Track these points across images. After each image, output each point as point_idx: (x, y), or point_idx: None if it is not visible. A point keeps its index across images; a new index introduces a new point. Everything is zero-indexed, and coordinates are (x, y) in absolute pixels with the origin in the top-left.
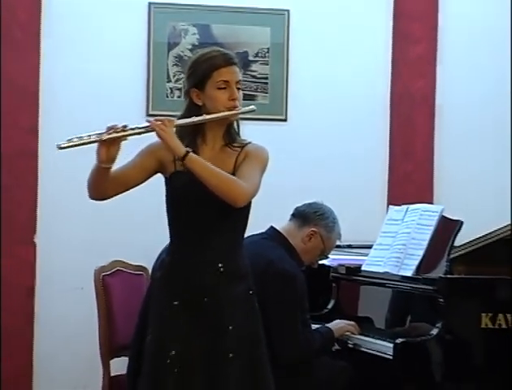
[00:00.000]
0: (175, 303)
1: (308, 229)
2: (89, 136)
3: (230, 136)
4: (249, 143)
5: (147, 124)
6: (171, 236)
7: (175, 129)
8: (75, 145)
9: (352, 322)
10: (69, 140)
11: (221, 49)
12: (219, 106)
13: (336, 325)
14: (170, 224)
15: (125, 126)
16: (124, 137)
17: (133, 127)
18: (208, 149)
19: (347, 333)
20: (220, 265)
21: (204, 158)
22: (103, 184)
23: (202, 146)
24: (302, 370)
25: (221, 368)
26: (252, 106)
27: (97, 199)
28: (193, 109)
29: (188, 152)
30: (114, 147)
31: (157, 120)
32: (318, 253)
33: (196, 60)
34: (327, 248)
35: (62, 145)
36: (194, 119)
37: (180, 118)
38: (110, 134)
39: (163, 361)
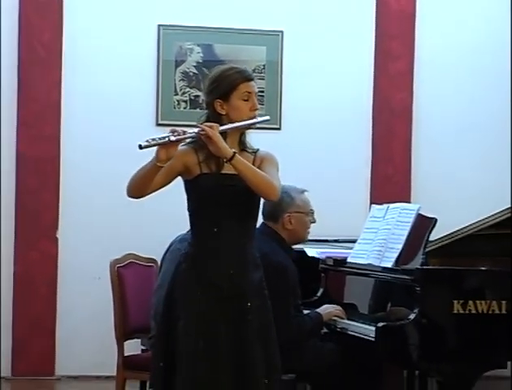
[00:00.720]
0: (202, 291)
1: (282, 219)
2: (160, 138)
3: (243, 142)
4: (259, 149)
5: (200, 129)
6: (193, 232)
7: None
8: (151, 145)
9: (339, 307)
10: (147, 141)
11: (239, 67)
12: (242, 115)
13: (325, 310)
14: (194, 221)
15: (184, 131)
16: (184, 140)
17: (190, 131)
18: None
19: (335, 317)
20: (241, 255)
21: None
22: (149, 182)
23: None
24: (293, 351)
25: (245, 345)
26: (267, 116)
27: (134, 197)
28: (216, 118)
29: (235, 153)
30: (173, 148)
31: (205, 125)
32: (307, 221)
33: (219, 75)
34: (306, 209)
35: (143, 145)
36: (230, 125)
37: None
38: (175, 136)
39: (197, 343)
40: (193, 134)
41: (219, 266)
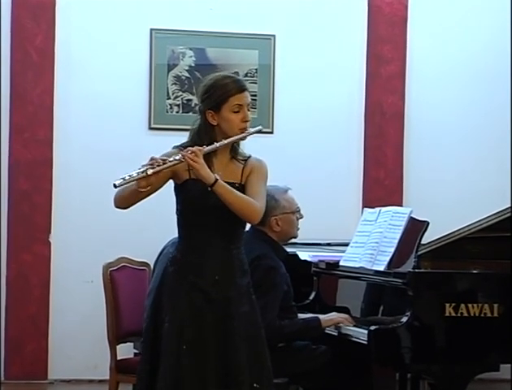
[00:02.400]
0: (188, 294)
1: (269, 222)
2: (137, 173)
3: (234, 150)
4: (250, 156)
5: (181, 156)
6: (181, 236)
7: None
8: (127, 182)
9: (345, 315)
10: (122, 179)
11: (234, 76)
12: (233, 127)
13: (327, 316)
14: (181, 225)
15: (164, 160)
16: (163, 170)
17: (171, 159)
18: (218, 162)
19: (340, 324)
20: (227, 261)
21: (216, 169)
22: (133, 201)
23: (213, 160)
24: (288, 351)
25: (230, 349)
26: (259, 127)
27: (121, 208)
28: (208, 128)
29: (217, 179)
30: (154, 176)
31: (187, 151)
32: (294, 219)
33: (212, 85)
34: (292, 209)
35: (117, 184)
36: (217, 144)
37: (195, 133)
38: (153, 168)
39: (180, 345)
40: (174, 162)
41: (205, 270)
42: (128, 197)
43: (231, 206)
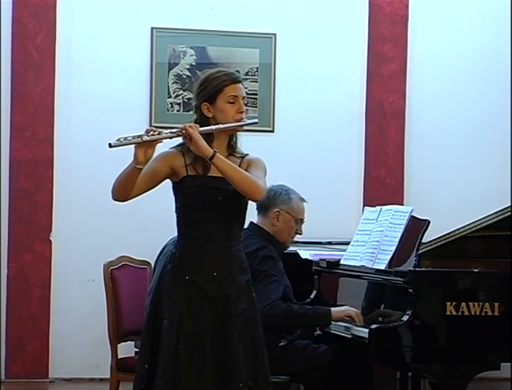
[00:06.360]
0: (187, 292)
1: (271, 213)
2: (133, 137)
3: (232, 147)
4: (248, 154)
5: (179, 129)
6: (180, 233)
7: None
8: (122, 145)
9: (357, 310)
10: (118, 140)
11: (227, 69)
12: (228, 118)
13: (339, 308)
14: (180, 223)
15: (160, 131)
16: (160, 140)
17: (166, 131)
18: None
19: (346, 318)
20: (226, 258)
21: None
22: (131, 185)
23: None
24: (289, 350)
25: (228, 346)
26: (255, 119)
27: (119, 200)
28: (203, 121)
29: (215, 152)
30: (151, 149)
31: (184, 125)
32: (293, 226)
33: (207, 78)
34: (297, 215)
35: (113, 144)
36: (212, 127)
37: None
38: (149, 136)
39: (179, 343)
40: (169, 134)
41: (203, 267)
42: (126, 180)
43: (232, 180)
